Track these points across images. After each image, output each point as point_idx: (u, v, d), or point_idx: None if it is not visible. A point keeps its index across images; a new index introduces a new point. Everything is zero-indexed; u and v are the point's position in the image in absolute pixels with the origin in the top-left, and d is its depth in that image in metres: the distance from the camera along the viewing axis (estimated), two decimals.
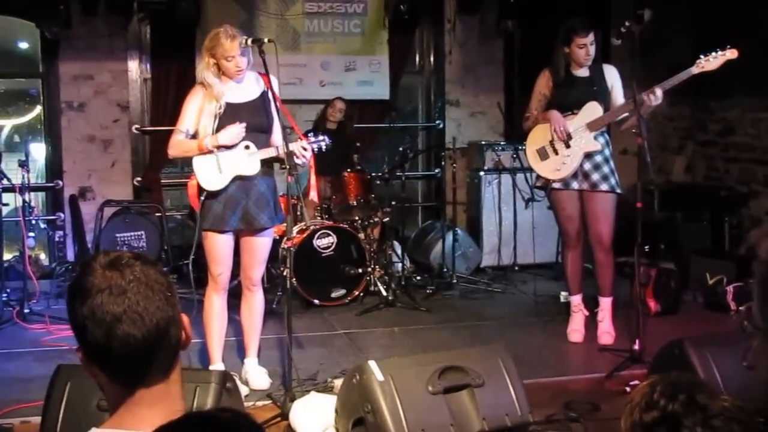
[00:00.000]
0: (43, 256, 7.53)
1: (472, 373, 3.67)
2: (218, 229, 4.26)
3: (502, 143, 7.87)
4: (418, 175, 8.62)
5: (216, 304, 4.40)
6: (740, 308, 5.61)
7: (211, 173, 4.23)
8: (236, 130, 4.19)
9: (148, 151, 7.81)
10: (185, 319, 1.61)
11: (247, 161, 4.25)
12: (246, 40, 4.17)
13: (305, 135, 4.52)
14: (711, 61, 4.74)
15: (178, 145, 4.31)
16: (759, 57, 4.97)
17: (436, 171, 8.49)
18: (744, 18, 7.14)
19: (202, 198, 4.23)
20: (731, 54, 4.72)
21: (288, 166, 4.04)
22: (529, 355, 4.87)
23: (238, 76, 4.26)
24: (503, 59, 8.38)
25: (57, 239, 7.16)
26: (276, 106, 4.29)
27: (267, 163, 4.37)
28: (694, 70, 4.77)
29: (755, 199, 7.61)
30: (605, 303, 5.32)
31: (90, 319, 1.48)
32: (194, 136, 4.27)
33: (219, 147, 4.19)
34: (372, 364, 3.52)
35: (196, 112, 4.25)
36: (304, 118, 7.48)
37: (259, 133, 4.31)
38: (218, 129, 4.20)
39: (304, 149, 4.20)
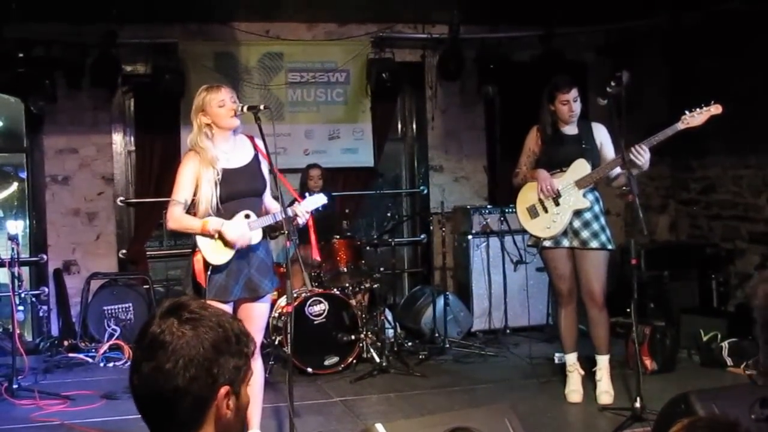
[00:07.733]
0: (26, 332, 7.37)
1: None
2: (221, 299, 4.11)
3: (488, 207, 7.92)
4: (404, 242, 8.61)
5: None
6: (747, 362, 5.56)
7: (216, 247, 4.12)
8: (243, 232, 4.09)
9: (133, 223, 7.77)
10: None
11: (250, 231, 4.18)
12: (242, 108, 4.16)
13: (301, 197, 4.49)
14: (696, 117, 4.78)
15: (179, 220, 4.15)
16: (735, 115, 5.08)
17: (422, 237, 8.50)
18: (717, 77, 7.33)
19: (208, 273, 4.09)
20: (715, 109, 4.76)
21: (287, 231, 4.01)
22: (529, 417, 4.78)
23: (233, 124, 4.18)
24: (485, 124, 8.50)
25: (41, 314, 7.03)
26: (269, 167, 4.24)
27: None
28: (680, 126, 4.81)
29: (740, 256, 7.68)
30: (603, 361, 5.24)
31: None
32: (191, 204, 4.18)
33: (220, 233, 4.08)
34: (380, 427, 3.45)
35: (192, 180, 4.14)
36: None
37: (256, 197, 4.28)
38: (220, 196, 4.11)
39: (307, 212, 4.18)
